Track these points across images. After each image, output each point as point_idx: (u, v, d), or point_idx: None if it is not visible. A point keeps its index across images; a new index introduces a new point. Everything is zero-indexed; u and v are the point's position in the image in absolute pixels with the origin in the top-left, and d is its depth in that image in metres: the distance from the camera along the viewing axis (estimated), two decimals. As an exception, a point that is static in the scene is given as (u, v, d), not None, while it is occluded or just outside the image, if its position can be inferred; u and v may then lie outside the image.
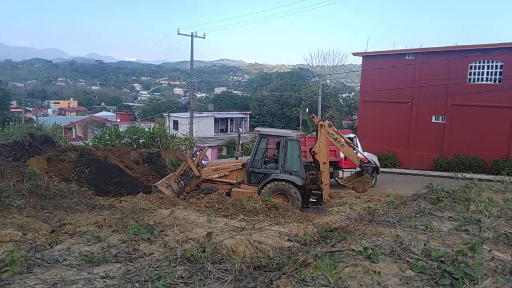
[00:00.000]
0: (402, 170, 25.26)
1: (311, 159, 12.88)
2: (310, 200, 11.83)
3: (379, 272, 2.59)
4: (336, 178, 17.13)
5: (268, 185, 11.40)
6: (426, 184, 5.82)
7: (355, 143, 17.06)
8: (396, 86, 26.33)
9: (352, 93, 60.89)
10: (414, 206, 4.72)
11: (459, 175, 9.71)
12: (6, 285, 2.55)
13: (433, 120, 26.25)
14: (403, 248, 3.04)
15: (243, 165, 12.22)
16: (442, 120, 25.88)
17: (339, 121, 44.31)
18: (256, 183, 11.89)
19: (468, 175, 16.38)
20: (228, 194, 11.56)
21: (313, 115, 14.30)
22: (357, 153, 12.90)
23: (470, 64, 24.43)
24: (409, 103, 27.04)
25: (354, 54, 31.52)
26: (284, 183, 11.41)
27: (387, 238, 3.33)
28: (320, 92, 34.59)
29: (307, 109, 46.66)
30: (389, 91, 26.79)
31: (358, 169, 12.59)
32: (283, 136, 12.06)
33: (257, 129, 13.71)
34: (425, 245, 3.11)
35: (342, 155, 14.96)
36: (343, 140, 12.04)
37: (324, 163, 11.78)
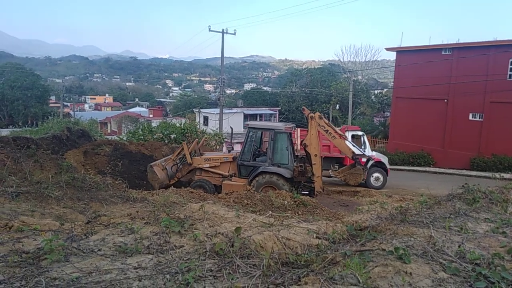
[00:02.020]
0: (437, 169, 24.46)
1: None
2: (302, 192, 11.80)
3: (410, 273, 2.53)
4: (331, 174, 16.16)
5: (257, 178, 11.52)
6: (461, 184, 5.62)
7: (363, 140, 16.68)
8: (431, 82, 25.46)
9: (385, 90, 59.39)
10: (448, 207, 4.57)
11: (497, 175, 9.33)
12: (45, 272, 2.68)
13: (470, 117, 25.22)
14: (436, 249, 2.96)
15: (234, 158, 12.33)
16: (479, 118, 24.82)
17: (370, 118, 43.39)
18: (246, 176, 11.95)
19: (506, 176, 15.65)
20: (220, 187, 11.88)
21: (303, 107, 14.24)
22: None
23: (510, 60, 23.27)
24: (445, 100, 26.11)
25: (388, 49, 30.72)
26: (272, 175, 11.50)
27: (419, 239, 3.25)
28: (351, 89, 33.96)
29: (338, 105, 45.98)
30: (424, 87, 25.95)
31: (355, 165, 12.45)
32: (271, 129, 12.09)
33: (247, 122, 13.70)
34: (459, 246, 3.02)
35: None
36: (334, 132, 12.08)
37: (316, 155, 11.82)
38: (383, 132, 33.25)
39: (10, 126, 46.44)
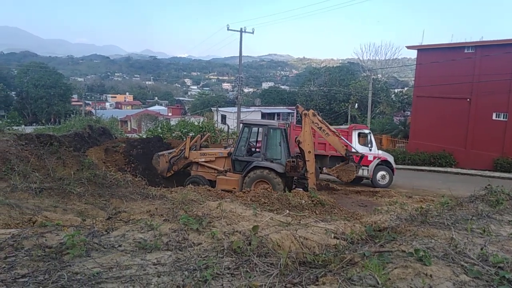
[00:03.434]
0: (459, 170, 23.92)
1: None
2: (297, 188, 11.83)
3: (430, 275, 2.49)
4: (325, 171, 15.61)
5: (250, 173, 11.74)
6: (484, 185, 5.48)
7: (369, 139, 16.54)
8: (453, 81, 24.88)
9: (405, 88, 58.39)
10: (470, 208, 4.46)
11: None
12: (67, 266, 2.75)
13: (494, 117, 24.53)
14: (458, 251, 2.90)
15: (229, 153, 12.54)
16: (504, 118, 24.11)
17: (390, 117, 42.72)
18: (240, 171, 12.17)
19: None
20: (215, 181, 12.14)
21: (297, 104, 14.31)
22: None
23: (537, 58, 22.53)
24: (468, 99, 25.48)
25: (409, 47, 30.18)
26: (265, 170, 11.67)
27: (440, 241, 3.19)
28: (371, 87, 33.46)
29: (356, 104, 45.46)
30: (446, 86, 25.38)
31: (347, 163, 12.42)
32: (265, 125, 12.33)
33: (241, 119, 13.79)
34: (482, 249, 2.95)
35: (353, 150, 14.41)
36: (328, 129, 12.18)
37: (309, 152, 11.93)
38: (403, 132, 32.68)
39: (34, 124, 47.70)
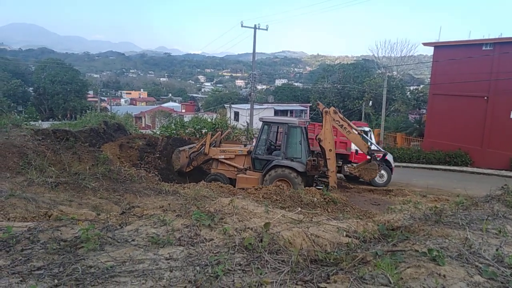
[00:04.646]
0: (474, 169, 23.49)
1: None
2: (317, 187, 11.65)
3: (444, 276, 2.45)
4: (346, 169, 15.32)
5: (271, 172, 11.63)
6: (500, 185, 5.37)
7: (369, 136, 16.20)
8: (470, 79, 24.38)
9: (421, 86, 57.52)
10: (486, 208, 4.38)
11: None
12: (81, 260, 2.80)
13: (512, 116, 24.02)
14: (472, 252, 2.85)
15: (249, 152, 12.47)
16: (522, 117, 23.57)
17: (405, 115, 42.14)
18: (260, 169, 12.10)
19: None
20: (234, 180, 12.09)
21: (318, 102, 14.03)
22: (370, 143, 12.49)
23: (558, 55, 21.92)
24: (485, 97, 24.95)
25: (425, 44, 29.69)
26: (285, 169, 11.55)
27: (454, 241, 3.14)
28: (386, 85, 33.01)
29: (371, 102, 44.95)
30: (463, 84, 24.89)
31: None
32: (285, 123, 12.17)
33: (261, 117, 13.72)
34: (497, 250, 2.89)
35: (353, 148, 14.19)
36: (349, 127, 11.91)
37: (330, 150, 11.78)
38: (418, 130, 32.22)
39: (51, 119, 48.56)
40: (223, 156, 12.69)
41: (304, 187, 11.09)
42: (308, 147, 12.30)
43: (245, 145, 13.33)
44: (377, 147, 13.27)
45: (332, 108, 12.26)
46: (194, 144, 13.54)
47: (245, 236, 3.31)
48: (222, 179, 11.99)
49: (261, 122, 12.77)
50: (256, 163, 12.26)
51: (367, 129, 16.89)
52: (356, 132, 12.11)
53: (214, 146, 13.06)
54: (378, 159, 11.95)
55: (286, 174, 11.52)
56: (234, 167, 12.54)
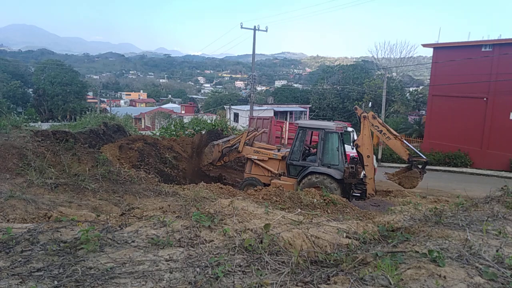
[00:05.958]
0: (474, 170, 23.52)
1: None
2: (354, 194, 11.40)
3: (444, 277, 2.45)
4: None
5: (306, 178, 11.21)
6: (500, 186, 5.37)
7: (352, 137, 15.67)
8: (470, 80, 24.44)
9: (421, 87, 57.55)
10: (486, 209, 4.38)
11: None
12: (81, 261, 2.79)
13: (511, 117, 24.04)
14: (472, 253, 2.85)
15: (283, 157, 12.11)
16: (521, 118, 23.62)
17: (405, 116, 42.17)
18: (295, 175, 11.70)
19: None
20: (268, 185, 11.60)
21: (355, 106, 13.40)
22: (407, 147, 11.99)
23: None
24: (484, 99, 24.99)
25: (424, 45, 29.74)
26: (321, 176, 11.12)
27: (454, 242, 3.14)
28: (385, 86, 33.05)
29: (370, 103, 44.97)
30: (462, 85, 24.94)
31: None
32: (322, 129, 11.66)
33: (297, 121, 13.37)
34: (497, 251, 2.89)
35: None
36: (389, 133, 11.28)
37: (368, 156, 11.24)
38: (417, 131, 32.26)
39: (50, 120, 48.57)
40: (256, 157, 12.34)
41: (341, 194, 10.72)
42: (345, 153, 11.75)
43: (278, 150, 12.98)
44: (418, 153, 12.62)
45: (371, 113, 11.61)
46: (228, 138, 13.41)
47: (245, 237, 3.31)
48: (258, 184, 11.66)
49: (297, 127, 12.28)
50: (291, 169, 11.86)
51: (350, 129, 16.39)
52: (397, 138, 11.38)
53: (247, 145, 12.79)
54: (419, 166, 11.27)
55: (322, 181, 11.03)
56: (269, 171, 12.19)
